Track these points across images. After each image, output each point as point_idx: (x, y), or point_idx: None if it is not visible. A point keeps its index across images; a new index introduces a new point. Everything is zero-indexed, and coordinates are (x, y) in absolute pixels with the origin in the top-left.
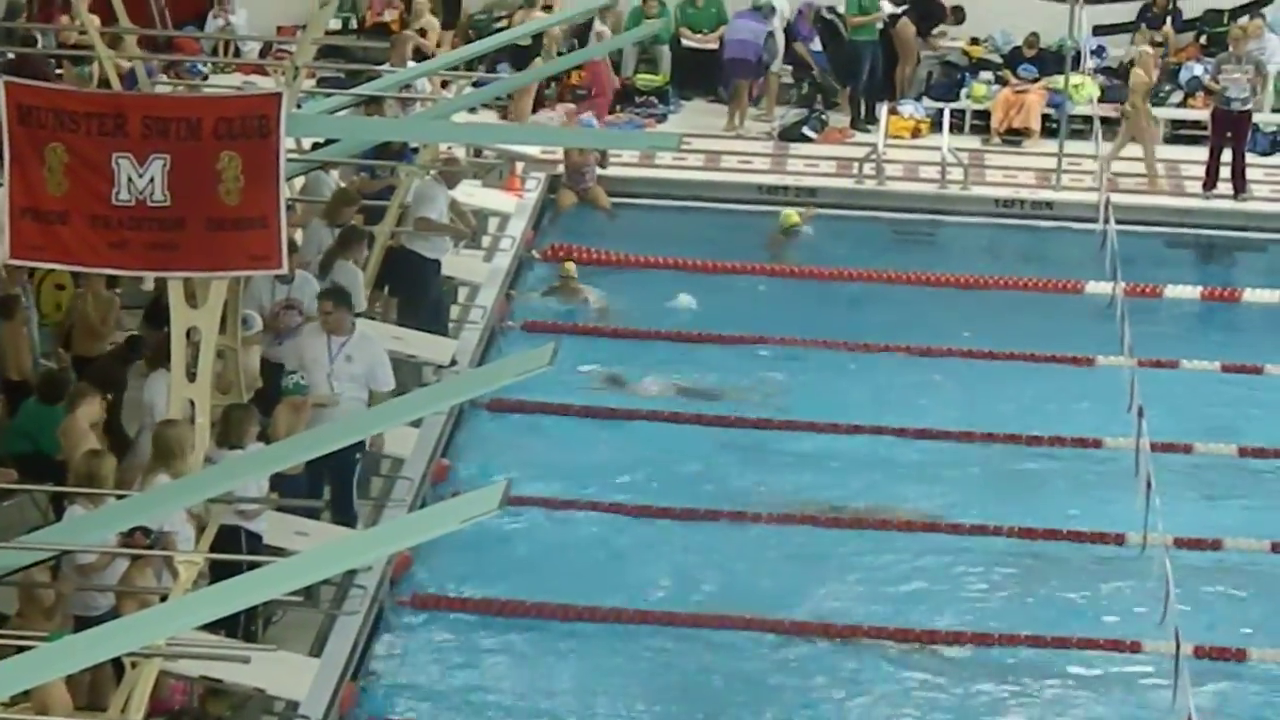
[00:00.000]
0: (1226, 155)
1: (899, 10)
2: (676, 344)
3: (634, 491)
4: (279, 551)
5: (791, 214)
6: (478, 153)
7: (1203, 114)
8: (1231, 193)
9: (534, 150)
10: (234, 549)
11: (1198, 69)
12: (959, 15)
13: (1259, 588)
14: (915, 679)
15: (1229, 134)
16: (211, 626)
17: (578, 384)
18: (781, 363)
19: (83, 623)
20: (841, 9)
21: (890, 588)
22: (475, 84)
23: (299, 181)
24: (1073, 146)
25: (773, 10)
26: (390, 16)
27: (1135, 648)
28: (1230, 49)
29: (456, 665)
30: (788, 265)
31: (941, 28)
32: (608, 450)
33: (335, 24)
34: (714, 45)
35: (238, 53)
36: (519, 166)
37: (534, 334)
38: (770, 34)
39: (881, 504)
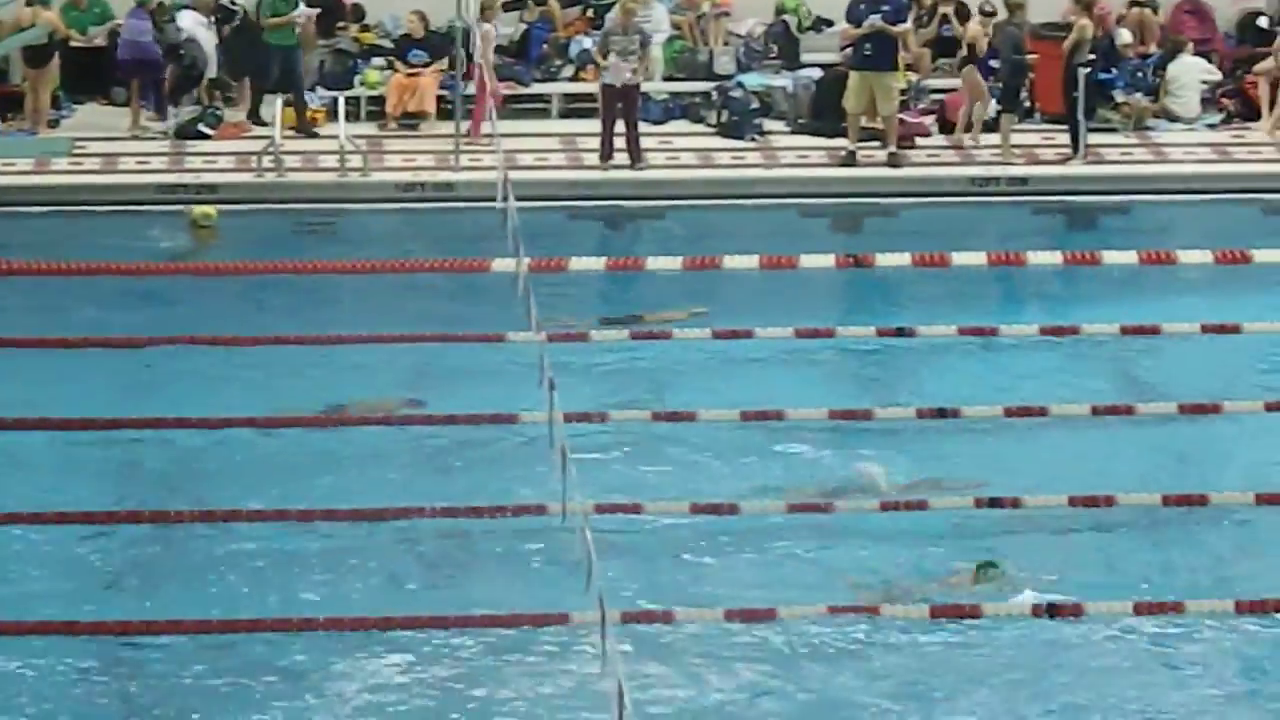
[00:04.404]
0: (620, 126)
1: (315, 12)
2: (74, 351)
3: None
4: None
5: (202, 210)
6: None
7: (594, 87)
8: (629, 163)
9: None
10: None
11: (587, 43)
12: (359, 13)
13: (680, 549)
14: (370, 668)
15: (620, 105)
16: None
17: None
18: (195, 360)
19: None
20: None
21: (320, 577)
22: None
23: None
24: (468, 127)
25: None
26: None
27: (563, 619)
28: (616, 22)
29: None
30: (190, 264)
31: (343, 23)
32: (48, 460)
33: None
34: (102, 44)
35: None
36: None
37: None
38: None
39: (300, 493)
